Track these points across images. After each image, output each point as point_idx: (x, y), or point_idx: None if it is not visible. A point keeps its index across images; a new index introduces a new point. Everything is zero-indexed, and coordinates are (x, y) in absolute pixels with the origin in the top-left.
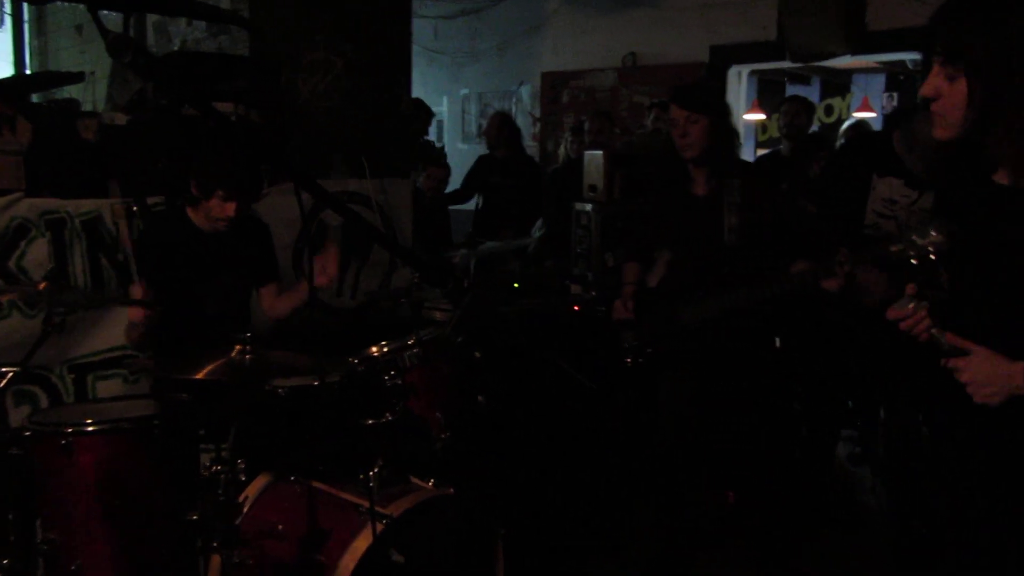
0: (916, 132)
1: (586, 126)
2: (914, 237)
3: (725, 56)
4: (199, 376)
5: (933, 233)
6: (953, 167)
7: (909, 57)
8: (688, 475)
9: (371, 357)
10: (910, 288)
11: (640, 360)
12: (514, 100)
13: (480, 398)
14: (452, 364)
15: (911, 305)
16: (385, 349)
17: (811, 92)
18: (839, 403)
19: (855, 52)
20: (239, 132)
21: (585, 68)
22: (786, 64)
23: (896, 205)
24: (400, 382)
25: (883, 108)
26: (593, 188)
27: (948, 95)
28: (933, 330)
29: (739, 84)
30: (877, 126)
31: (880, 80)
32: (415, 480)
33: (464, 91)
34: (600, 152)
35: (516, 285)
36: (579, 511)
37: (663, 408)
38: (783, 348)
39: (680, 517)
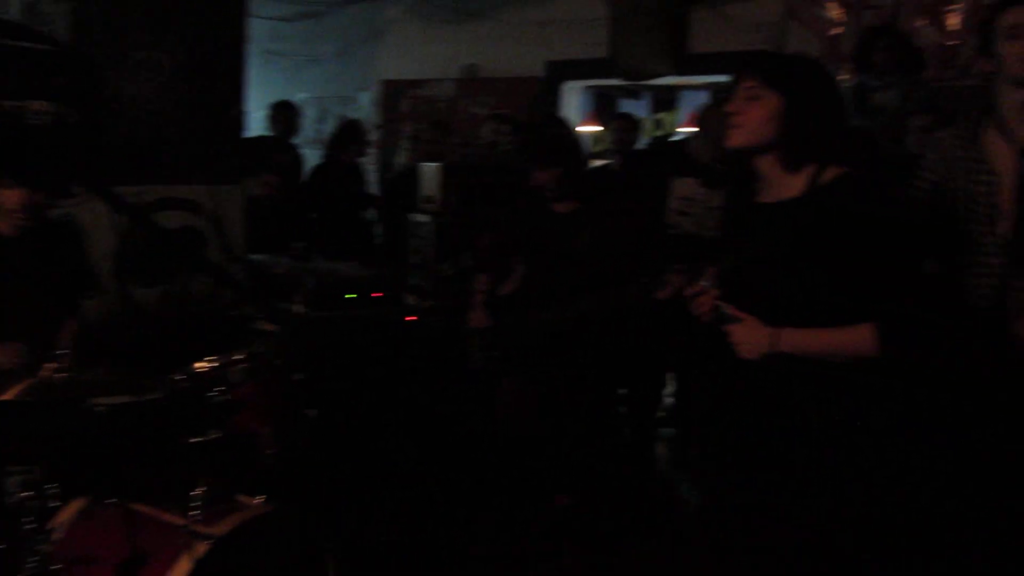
0: (705, 121)
1: (422, 136)
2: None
3: (560, 71)
4: (5, 397)
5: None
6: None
7: (728, 79)
8: (524, 480)
9: (196, 373)
10: (711, 271)
11: (487, 365)
12: (353, 106)
13: (310, 411)
14: (282, 378)
15: (704, 283)
16: (212, 364)
17: (641, 107)
18: (656, 402)
19: (679, 73)
20: (34, 124)
21: (425, 77)
22: (617, 81)
23: (693, 203)
24: (227, 398)
25: None
26: (429, 199)
27: (749, 110)
28: (718, 303)
29: (574, 98)
30: None
31: (704, 97)
32: (243, 498)
33: (302, 95)
34: (436, 163)
35: (350, 296)
36: (415, 522)
37: (503, 414)
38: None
39: (515, 523)
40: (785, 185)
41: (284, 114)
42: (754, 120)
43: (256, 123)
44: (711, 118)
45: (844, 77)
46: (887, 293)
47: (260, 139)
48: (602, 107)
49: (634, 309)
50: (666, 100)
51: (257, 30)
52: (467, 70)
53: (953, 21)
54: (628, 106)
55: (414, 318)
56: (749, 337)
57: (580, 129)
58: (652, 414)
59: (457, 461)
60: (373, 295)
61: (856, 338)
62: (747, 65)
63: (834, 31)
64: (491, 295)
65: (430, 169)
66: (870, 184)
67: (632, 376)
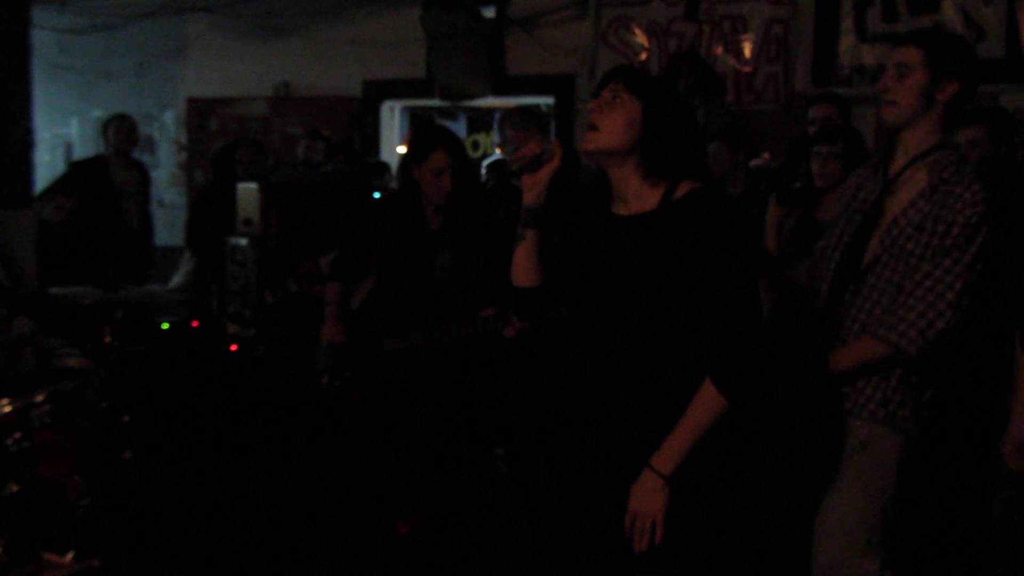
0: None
1: (237, 156)
2: None
3: (378, 91)
4: None
5: None
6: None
7: (543, 100)
8: (369, 506)
9: None
10: None
11: (337, 383)
12: (157, 125)
13: (127, 454)
14: (92, 418)
15: None
16: (7, 408)
17: (458, 128)
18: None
19: (496, 94)
20: None
21: (235, 96)
22: (435, 102)
23: None
24: (28, 445)
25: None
26: (248, 222)
27: (610, 112)
28: None
29: (392, 118)
30: None
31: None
32: (49, 556)
33: (97, 112)
34: (255, 185)
35: (165, 327)
36: (258, 554)
37: (352, 435)
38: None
39: (357, 553)
40: (641, 198)
41: (120, 128)
42: (615, 123)
43: (44, 143)
44: (509, 131)
45: None
46: (730, 310)
47: (97, 159)
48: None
49: (484, 341)
50: (482, 122)
51: (42, 42)
52: (280, 88)
53: (748, 50)
54: (444, 127)
55: (235, 347)
56: (643, 499)
57: (399, 150)
58: (494, 439)
59: (294, 491)
60: (192, 324)
61: (707, 408)
62: (611, 72)
63: (642, 56)
64: (344, 308)
65: (248, 190)
66: (720, 200)
67: (478, 405)
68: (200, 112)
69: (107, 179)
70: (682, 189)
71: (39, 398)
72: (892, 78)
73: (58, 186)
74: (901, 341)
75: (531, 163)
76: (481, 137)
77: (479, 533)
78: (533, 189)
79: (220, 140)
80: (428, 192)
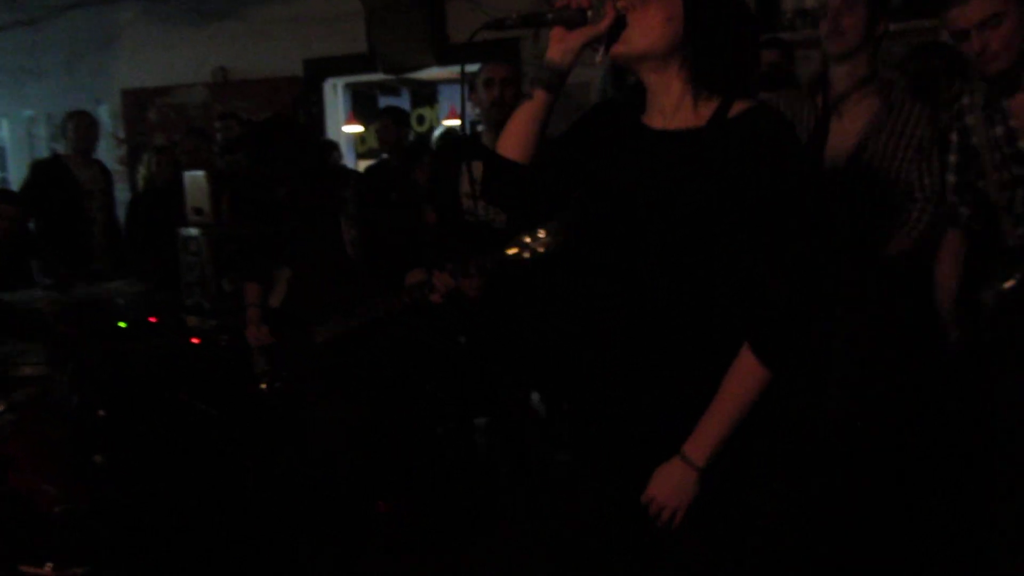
0: None
1: (178, 146)
2: (526, 239)
3: (319, 69)
4: None
5: (541, 234)
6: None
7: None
8: (343, 491)
9: None
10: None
11: (277, 385)
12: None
13: (98, 458)
14: (58, 424)
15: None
16: None
17: (402, 103)
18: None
19: (441, 63)
20: None
21: (172, 84)
22: (379, 76)
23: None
24: None
25: (469, 115)
26: (199, 211)
27: (644, 7)
28: None
29: (335, 97)
30: None
31: (464, 90)
32: (27, 568)
33: (28, 112)
34: (202, 173)
35: (122, 325)
36: (233, 554)
37: (312, 428)
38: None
39: (337, 535)
40: (684, 111)
41: (80, 125)
42: (651, 19)
43: None
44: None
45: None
46: (782, 256)
47: (56, 159)
48: (362, 106)
49: (415, 309)
50: (426, 95)
51: None
52: (218, 73)
53: None
54: (388, 103)
55: (198, 340)
56: (669, 491)
57: (344, 129)
58: (467, 407)
59: (271, 480)
60: (149, 320)
61: (746, 382)
62: None
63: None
64: (264, 307)
65: (195, 178)
66: (786, 123)
67: (436, 372)
68: (137, 103)
69: (70, 178)
70: (738, 107)
71: (1, 408)
72: (842, 9)
73: (24, 191)
74: None
75: (571, 16)
76: (426, 111)
77: (462, 507)
78: (562, 45)
79: (160, 131)
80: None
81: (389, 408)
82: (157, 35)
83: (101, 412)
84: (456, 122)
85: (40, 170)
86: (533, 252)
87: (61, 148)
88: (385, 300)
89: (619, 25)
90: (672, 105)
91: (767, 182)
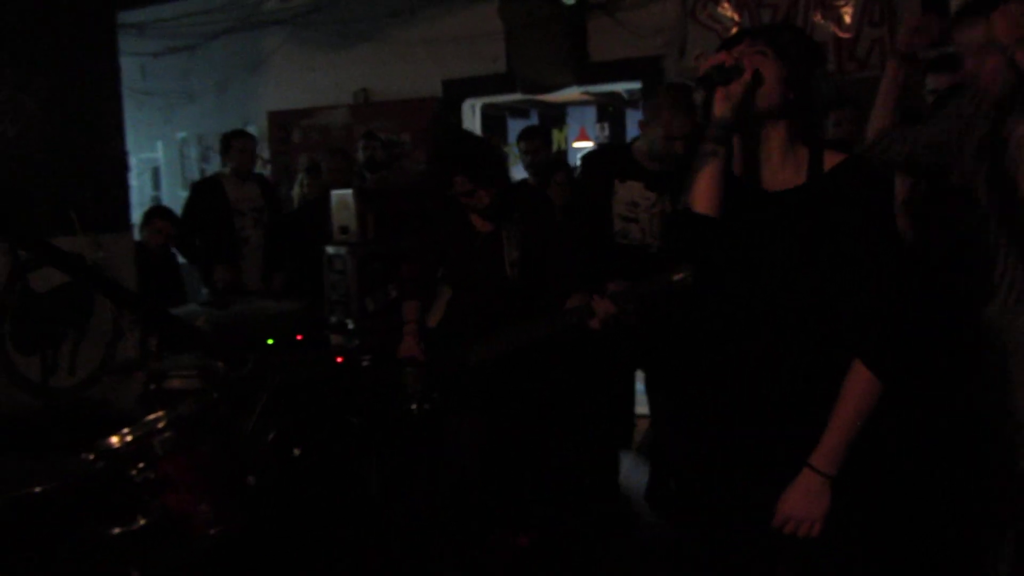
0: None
1: (323, 165)
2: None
3: (458, 90)
4: None
5: None
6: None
7: (625, 87)
8: (479, 521)
9: (111, 448)
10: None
11: (426, 406)
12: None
13: (251, 478)
14: (213, 442)
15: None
16: (129, 437)
17: (529, 124)
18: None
19: (580, 83)
20: None
21: (315, 106)
22: (517, 96)
23: (638, 208)
24: (152, 475)
25: (597, 137)
26: (344, 229)
27: (767, 65)
28: None
29: (473, 117)
30: None
31: (592, 111)
32: None
33: (181, 134)
34: (349, 191)
35: (270, 342)
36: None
37: (451, 453)
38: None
39: (476, 569)
40: (785, 168)
41: (240, 144)
42: (772, 77)
43: (132, 167)
44: (657, 109)
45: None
46: (885, 287)
47: (213, 179)
48: (490, 127)
49: (573, 334)
50: (554, 117)
51: (124, 68)
52: (359, 95)
53: (848, 14)
54: (517, 124)
55: (341, 359)
56: (806, 504)
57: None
58: (615, 438)
59: (411, 508)
60: (297, 338)
61: (862, 393)
62: (743, 32)
63: (734, 31)
64: (422, 324)
65: (342, 197)
66: (877, 170)
67: (591, 399)
68: (281, 125)
69: (224, 197)
70: (830, 159)
71: (160, 425)
72: None
73: (184, 213)
74: None
75: (723, 74)
76: (554, 132)
77: (603, 538)
78: (726, 102)
79: (303, 152)
80: (467, 204)
81: (534, 435)
82: (302, 58)
83: (271, 436)
84: (587, 144)
85: (198, 190)
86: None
87: (212, 168)
88: (543, 324)
89: (756, 81)
90: (774, 165)
91: (872, 225)
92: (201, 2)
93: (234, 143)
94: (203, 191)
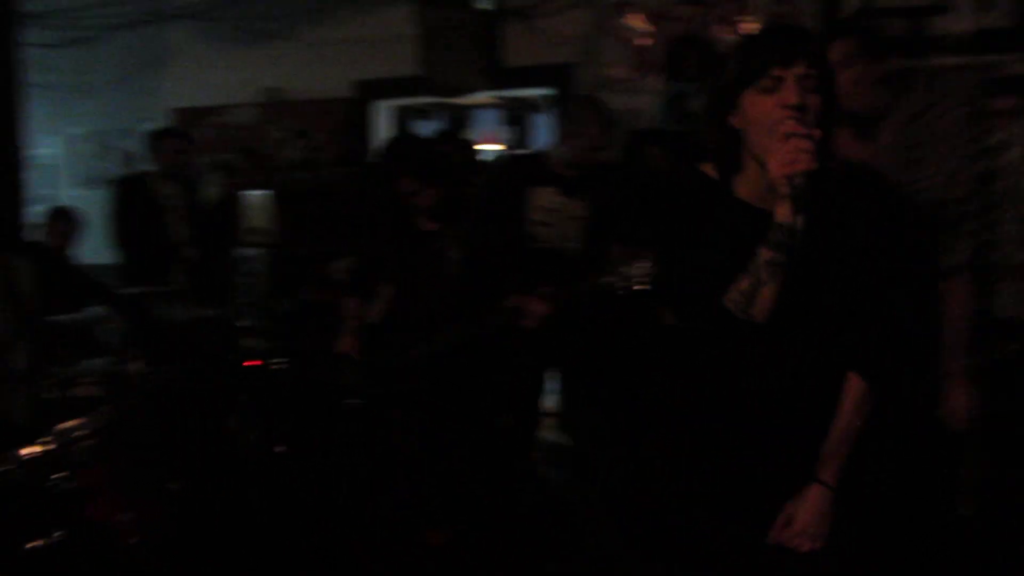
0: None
1: (237, 165)
2: (623, 268)
3: (370, 91)
4: None
5: (642, 267)
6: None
7: (543, 92)
8: (395, 518)
9: (27, 459)
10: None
11: (362, 402)
12: (138, 139)
13: (174, 484)
14: (136, 450)
15: None
16: (47, 446)
17: (435, 126)
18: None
19: (494, 88)
20: None
21: (223, 103)
22: (430, 99)
23: (553, 213)
24: (73, 484)
25: (503, 140)
26: (258, 230)
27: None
28: None
29: (384, 119)
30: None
31: (498, 115)
32: None
33: (78, 130)
34: (264, 192)
35: (182, 347)
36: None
37: (393, 448)
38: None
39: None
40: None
41: (173, 144)
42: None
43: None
44: (581, 121)
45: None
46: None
47: (140, 176)
48: (397, 128)
49: (506, 334)
50: (460, 119)
51: (22, 60)
52: (269, 93)
53: (749, 29)
54: (419, 126)
55: (256, 363)
56: (816, 518)
57: None
58: (530, 440)
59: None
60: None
61: (858, 402)
62: (797, 48)
63: (642, 41)
64: (362, 321)
65: (256, 198)
66: (875, 179)
67: (510, 401)
68: (187, 123)
69: (150, 195)
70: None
71: (80, 432)
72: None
73: (115, 212)
74: None
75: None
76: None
77: (516, 537)
78: (791, 203)
79: (209, 150)
80: (412, 204)
81: (465, 433)
82: (209, 55)
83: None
84: (494, 147)
85: (124, 188)
86: (630, 284)
87: (110, 166)
88: (478, 322)
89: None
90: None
91: (870, 235)
92: None
93: (166, 141)
94: (128, 189)
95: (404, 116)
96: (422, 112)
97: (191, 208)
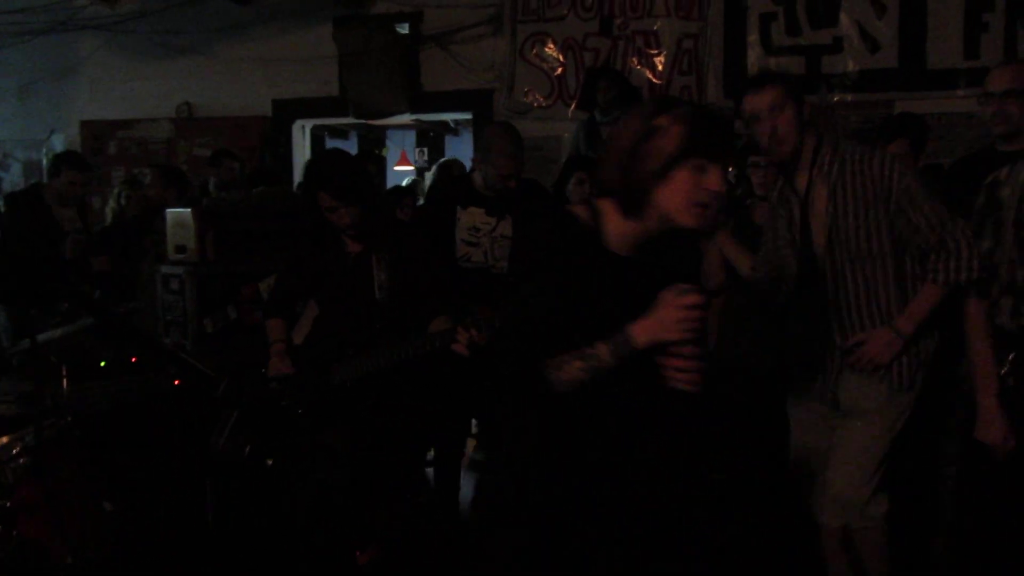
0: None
1: (147, 180)
2: None
3: (288, 110)
4: None
5: None
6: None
7: (460, 116)
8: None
9: None
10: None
11: (290, 423)
12: (44, 151)
13: (107, 505)
14: (70, 467)
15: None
16: None
17: (350, 146)
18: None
19: (413, 111)
20: None
21: (134, 117)
22: (349, 120)
23: (479, 232)
24: (6, 503)
25: (416, 162)
26: (181, 248)
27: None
28: None
29: (304, 138)
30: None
31: (412, 136)
32: None
33: None
34: (187, 210)
35: (103, 364)
36: None
37: (317, 470)
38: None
39: None
40: None
41: (70, 176)
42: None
43: None
44: (492, 147)
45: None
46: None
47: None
48: (313, 147)
49: (436, 358)
50: (375, 139)
51: None
52: (183, 109)
53: (661, 63)
54: (336, 145)
55: (179, 382)
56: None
57: None
58: (457, 464)
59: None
60: (133, 360)
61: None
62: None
63: (559, 71)
64: (288, 342)
65: (179, 215)
66: None
67: (437, 426)
68: (95, 135)
69: (47, 213)
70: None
71: (15, 451)
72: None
73: (8, 227)
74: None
75: None
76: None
77: (444, 554)
78: None
79: (120, 165)
80: (332, 223)
81: (391, 455)
82: (121, 67)
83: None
84: (407, 167)
85: (19, 203)
86: None
87: (12, 177)
88: (408, 346)
89: None
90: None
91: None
92: (5, 2)
93: (65, 174)
94: (24, 204)
95: (322, 136)
96: (340, 132)
97: (87, 230)
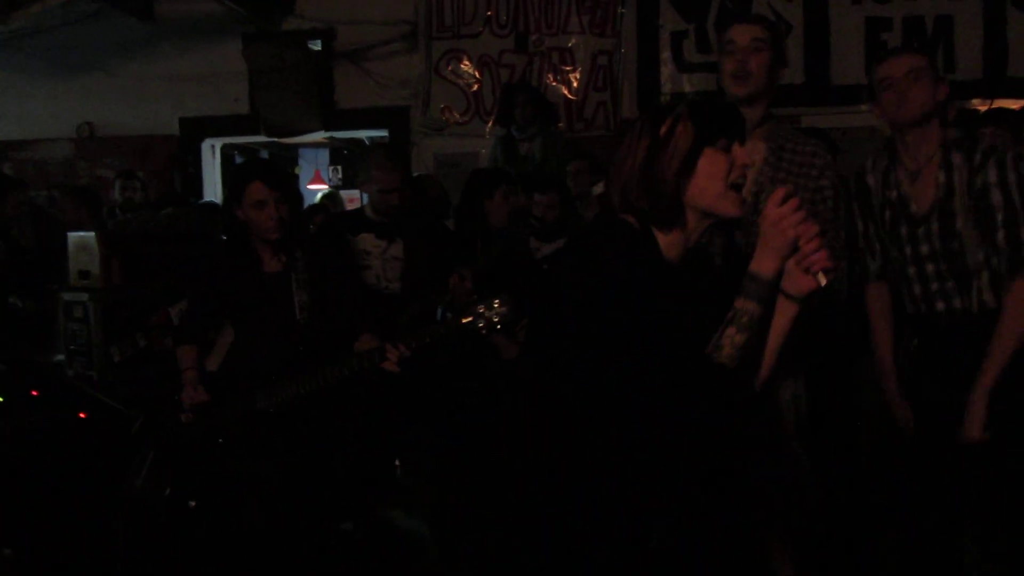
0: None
1: (44, 202)
2: (481, 309)
3: (196, 129)
4: None
5: (497, 305)
6: None
7: (376, 133)
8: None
9: None
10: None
11: (211, 449)
12: None
13: (7, 551)
14: None
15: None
16: None
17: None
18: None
19: (327, 129)
20: None
21: (32, 138)
22: (261, 138)
23: (370, 255)
24: None
25: (330, 180)
26: (85, 274)
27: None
28: None
29: (213, 157)
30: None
31: (325, 154)
32: None
33: None
34: (90, 234)
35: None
36: None
37: (248, 496)
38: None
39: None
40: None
41: (20, 196)
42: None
43: None
44: (374, 167)
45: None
46: None
47: None
48: (224, 167)
49: (366, 376)
50: (287, 158)
51: None
52: (83, 128)
53: (576, 79)
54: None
55: (84, 415)
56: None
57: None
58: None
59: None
60: (31, 393)
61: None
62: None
63: (475, 87)
64: (201, 370)
65: (84, 240)
66: None
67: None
68: None
69: None
70: None
71: None
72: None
73: None
74: None
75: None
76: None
77: None
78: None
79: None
80: (258, 229)
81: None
82: (16, 85)
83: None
84: (321, 186)
85: None
86: (490, 323)
87: None
88: (336, 368)
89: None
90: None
91: None
92: None
93: (12, 195)
94: None
95: (232, 155)
96: (251, 151)
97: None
